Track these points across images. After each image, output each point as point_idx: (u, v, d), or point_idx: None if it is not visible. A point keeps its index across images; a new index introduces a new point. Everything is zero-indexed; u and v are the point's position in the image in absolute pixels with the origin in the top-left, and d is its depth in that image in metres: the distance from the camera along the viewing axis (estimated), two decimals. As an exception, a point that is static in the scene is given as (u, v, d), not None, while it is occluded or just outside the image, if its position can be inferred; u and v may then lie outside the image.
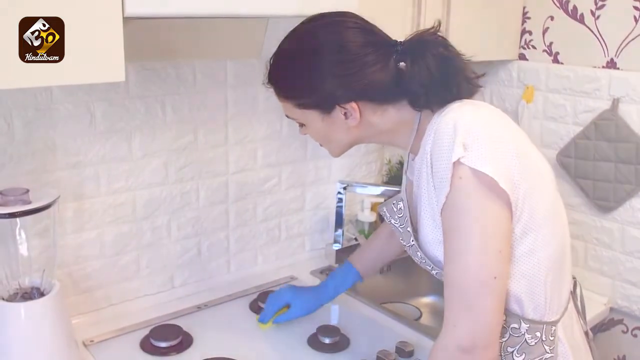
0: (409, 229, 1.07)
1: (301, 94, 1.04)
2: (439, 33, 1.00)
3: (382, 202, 1.19)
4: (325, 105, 1.02)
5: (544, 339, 1.01)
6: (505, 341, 1.01)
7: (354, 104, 1.00)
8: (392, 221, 1.13)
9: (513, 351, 1.01)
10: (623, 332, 1.72)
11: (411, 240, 1.07)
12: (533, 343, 1.00)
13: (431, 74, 0.97)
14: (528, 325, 1.00)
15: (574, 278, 1.15)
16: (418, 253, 1.06)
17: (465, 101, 1.00)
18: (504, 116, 1.02)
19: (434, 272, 1.06)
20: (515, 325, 1.00)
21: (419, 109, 1.02)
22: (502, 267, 0.92)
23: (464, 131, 0.91)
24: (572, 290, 1.11)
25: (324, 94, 1.01)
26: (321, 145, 1.13)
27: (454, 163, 0.90)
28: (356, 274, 1.39)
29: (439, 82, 0.97)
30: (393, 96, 1.01)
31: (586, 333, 1.14)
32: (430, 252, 1.03)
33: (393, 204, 1.12)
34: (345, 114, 1.02)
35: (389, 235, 1.37)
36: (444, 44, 0.99)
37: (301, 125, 1.10)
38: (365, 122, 1.03)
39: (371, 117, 1.03)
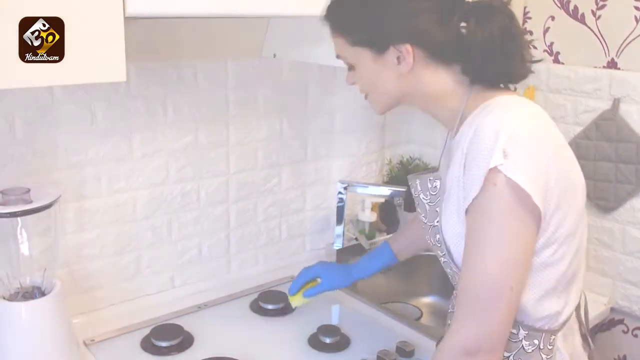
0: (437, 209, 1.04)
1: (356, 29, 1.01)
2: (509, 6, 0.98)
3: (414, 174, 1.14)
4: (379, 43, 0.99)
5: (541, 347, 0.99)
6: None
7: (408, 47, 0.97)
8: (422, 195, 1.09)
9: (509, 356, 0.99)
10: (624, 332, 1.72)
11: (436, 221, 1.04)
12: (530, 350, 0.99)
13: (493, 41, 0.94)
14: (527, 332, 0.98)
15: None
16: (437, 235, 1.04)
17: (515, 99, 0.97)
18: (549, 121, 0.99)
19: (442, 259, 1.05)
20: (514, 331, 0.98)
21: (469, 77, 0.99)
22: (520, 278, 0.91)
23: (507, 137, 0.88)
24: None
25: (379, 30, 0.98)
26: (366, 97, 1.09)
27: (491, 169, 0.88)
28: (390, 254, 1.38)
29: (498, 52, 0.95)
30: (448, 55, 0.99)
31: (584, 338, 1.13)
32: (447, 242, 1.01)
33: (429, 179, 1.08)
34: (398, 58, 0.99)
35: None
36: (512, 16, 0.97)
37: (350, 68, 1.07)
38: (415, 75, 1.00)
39: (423, 70, 1.00)
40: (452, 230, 0.99)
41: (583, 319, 1.13)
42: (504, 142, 0.88)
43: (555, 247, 0.94)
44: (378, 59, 1.01)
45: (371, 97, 1.09)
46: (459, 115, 1.00)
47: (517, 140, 0.88)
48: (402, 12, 0.97)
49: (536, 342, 0.99)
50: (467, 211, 0.93)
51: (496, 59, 0.96)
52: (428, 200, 1.07)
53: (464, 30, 0.97)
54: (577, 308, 1.10)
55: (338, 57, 1.08)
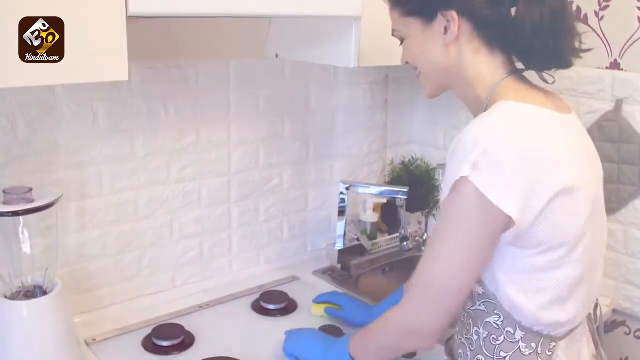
0: None
1: None
2: None
3: (443, 163, 1.17)
4: (428, 9, 1.02)
5: (539, 352, 0.99)
6: (499, 345, 1.00)
7: (454, 14, 0.98)
8: (442, 185, 1.08)
9: (506, 356, 0.99)
10: (626, 333, 1.71)
11: None
12: (527, 353, 0.99)
13: (542, 23, 0.94)
14: (523, 333, 0.98)
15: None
16: None
17: (518, 107, 0.95)
18: (554, 129, 0.96)
19: None
20: (510, 330, 0.99)
21: (507, 69, 1.00)
22: (470, 282, 0.96)
23: (482, 149, 0.88)
24: (591, 312, 1.10)
25: None
26: (418, 75, 1.10)
27: (457, 179, 0.90)
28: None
29: (547, 34, 0.95)
30: (492, 35, 0.99)
31: (597, 348, 1.12)
32: None
33: None
34: (445, 28, 1.00)
35: None
36: (563, 1, 0.98)
37: (402, 42, 1.10)
38: (459, 49, 1.01)
39: (466, 46, 1.01)
40: None
41: (596, 329, 1.12)
42: (477, 154, 0.88)
43: (555, 254, 0.94)
44: (426, 29, 1.03)
45: (421, 74, 1.10)
46: (483, 108, 1.00)
47: (491, 152, 0.88)
48: None
49: (534, 345, 0.99)
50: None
51: (544, 41, 0.96)
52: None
53: (512, 12, 0.96)
54: (589, 320, 1.10)
55: (393, 32, 1.10)
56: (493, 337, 1.00)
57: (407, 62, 1.11)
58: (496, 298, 0.98)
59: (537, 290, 0.96)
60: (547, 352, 0.99)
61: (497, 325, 0.99)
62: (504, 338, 0.99)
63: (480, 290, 1.00)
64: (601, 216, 1.03)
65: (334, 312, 1.44)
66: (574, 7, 1.67)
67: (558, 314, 0.98)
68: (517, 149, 0.90)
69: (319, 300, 1.48)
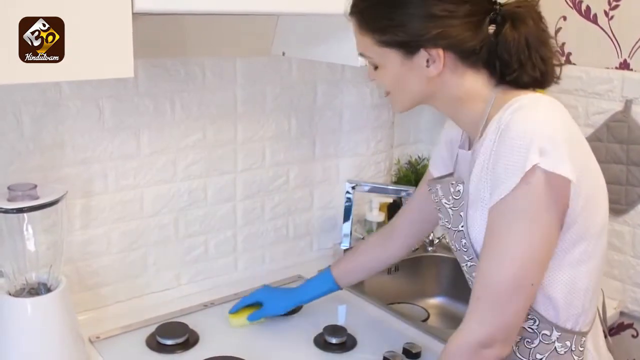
0: (462, 213, 1.02)
1: (388, 30, 0.97)
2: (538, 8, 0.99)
3: (433, 179, 1.12)
4: (410, 45, 0.96)
5: (573, 348, 1.00)
6: (535, 347, 1.00)
7: (440, 51, 0.95)
8: (444, 200, 1.07)
9: (542, 358, 1.00)
10: (633, 336, 1.70)
11: (460, 226, 1.03)
12: (562, 352, 1.00)
13: (527, 45, 0.94)
14: (559, 334, 0.99)
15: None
16: (463, 240, 1.03)
17: (538, 96, 0.96)
18: (570, 117, 0.99)
19: (469, 263, 1.04)
20: (547, 332, 0.99)
21: (496, 80, 0.99)
22: (541, 275, 0.93)
23: (541, 135, 0.88)
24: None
25: (413, 32, 0.95)
26: (387, 94, 1.06)
27: (532, 166, 0.87)
28: (331, 281, 1.37)
29: (531, 56, 0.95)
30: (478, 60, 0.98)
31: (605, 335, 1.13)
32: (476, 247, 1.00)
33: (451, 184, 1.05)
34: (427, 60, 0.96)
35: (377, 247, 1.36)
36: (543, 21, 0.98)
37: (374, 67, 1.03)
38: (442, 78, 0.98)
39: (450, 74, 0.98)
40: (482, 235, 0.98)
41: (601, 316, 1.15)
42: (539, 140, 0.87)
43: (587, 243, 0.95)
44: (406, 61, 0.98)
45: (393, 95, 1.05)
46: (484, 119, 0.99)
47: (554, 136, 0.89)
48: (437, 15, 0.94)
49: (568, 343, 1.00)
50: (492, 209, 0.92)
51: (528, 64, 0.96)
52: (451, 205, 1.06)
53: (494, 36, 0.96)
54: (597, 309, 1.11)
55: (361, 55, 1.04)
56: (527, 341, 1.01)
57: (373, 79, 1.07)
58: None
59: (571, 283, 0.97)
60: (579, 347, 1.01)
61: (532, 329, 1.00)
62: (540, 341, 1.00)
63: None
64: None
65: (255, 315, 1.39)
66: (584, 7, 1.66)
67: (586, 305, 0.99)
68: (573, 132, 0.94)
69: (234, 310, 1.42)
